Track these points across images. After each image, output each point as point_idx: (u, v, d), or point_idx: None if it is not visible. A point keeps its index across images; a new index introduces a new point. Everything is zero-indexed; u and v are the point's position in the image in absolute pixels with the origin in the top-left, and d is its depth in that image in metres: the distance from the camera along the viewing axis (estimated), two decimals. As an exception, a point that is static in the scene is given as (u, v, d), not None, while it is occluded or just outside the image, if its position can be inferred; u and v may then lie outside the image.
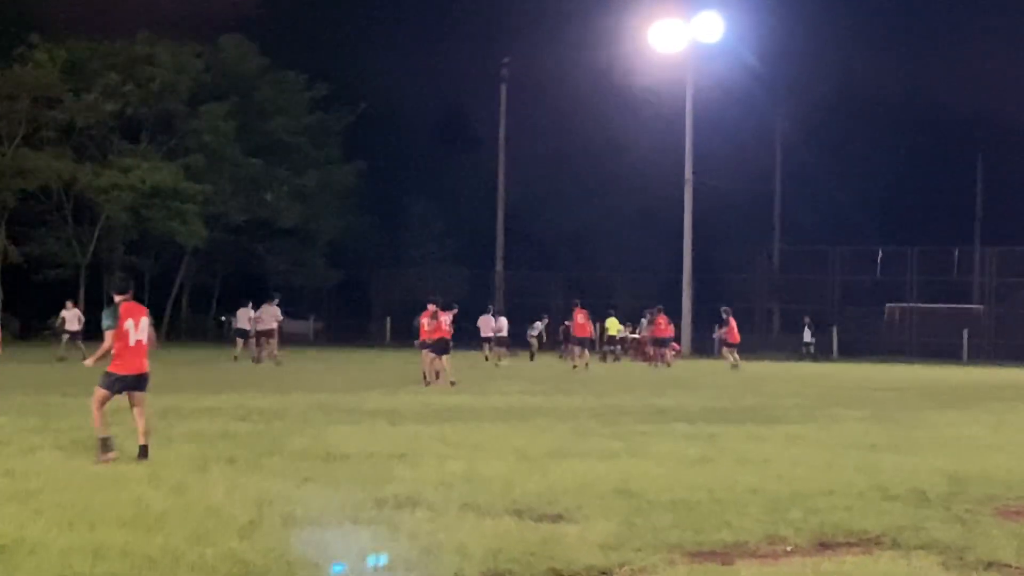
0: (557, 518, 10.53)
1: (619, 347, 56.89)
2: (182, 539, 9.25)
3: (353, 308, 55.96)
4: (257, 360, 46.03)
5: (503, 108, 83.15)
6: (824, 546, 9.80)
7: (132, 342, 14.94)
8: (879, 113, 79.81)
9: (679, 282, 71.03)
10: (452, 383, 30.60)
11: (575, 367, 44.23)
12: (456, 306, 39.72)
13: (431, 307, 33.06)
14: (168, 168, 73.81)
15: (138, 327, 15.03)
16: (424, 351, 32.88)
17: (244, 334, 48.84)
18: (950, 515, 11.17)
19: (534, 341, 56.59)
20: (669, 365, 48.86)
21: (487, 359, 47.68)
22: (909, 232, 73.86)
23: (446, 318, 32.53)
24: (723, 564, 9.09)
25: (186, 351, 55.64)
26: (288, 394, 26.11)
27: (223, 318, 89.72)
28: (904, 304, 74.16)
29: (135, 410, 15.03)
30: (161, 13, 74.37)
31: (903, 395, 31.31)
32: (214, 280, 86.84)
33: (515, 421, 20.25)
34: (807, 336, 65.82)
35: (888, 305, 75.12)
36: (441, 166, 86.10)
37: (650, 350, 52.80)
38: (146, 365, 15.28)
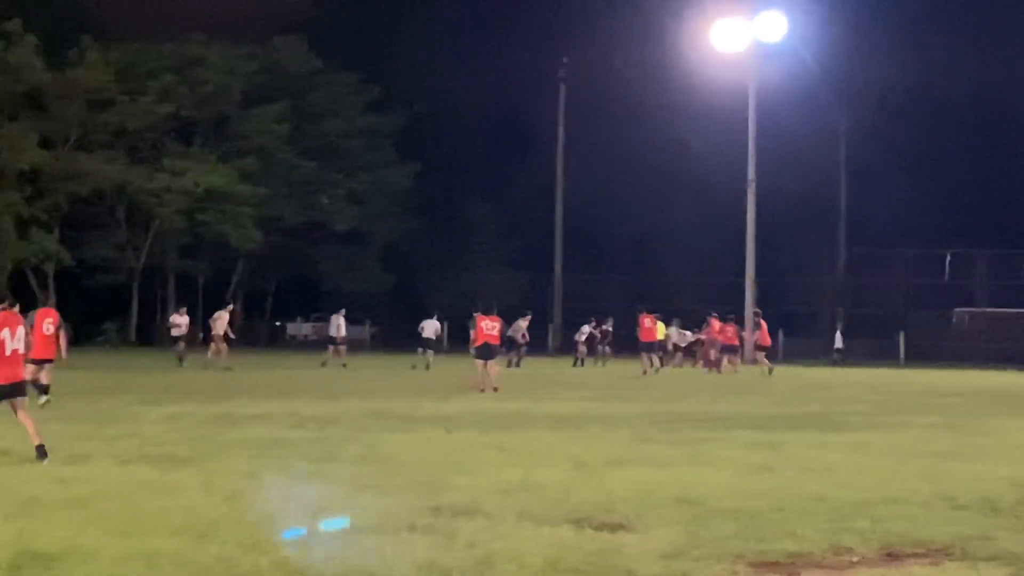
0: (616, 527, 10.50)
1: (679, 353, 56.36)
2: (235, 547, 9.29)
3: (408, 313, 56.05)
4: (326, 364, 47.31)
5: (562, 109, 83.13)
6: (891, 556, 9.72)
7: (8, 351, 15.16)
8: (947, 112, 79.12)
9: (741, 285, 70.67)
10: (495, 389, 30.53)
11: (644, 372, 44.25)
12: (529, 312, 39.59)
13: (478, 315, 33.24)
14: (221, 171, 74.31)
15: (14, 336, 15.25)
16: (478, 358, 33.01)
17: (334, 341, 49.79)
18: (1020, 524, 11.07)
19: (582, 347, 56.24)
20: (719, 372, 48.43)
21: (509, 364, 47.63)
22: (979, 234, 73.31)
23: (487, 323, 32.32)
24: (787, 575, 9.05)
25: (239, 356, 55.83)
26: (342, 401, 26.19)
27: (278, 323, 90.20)
28: (973, 308, 73.59)
29: (19, 415, 15.23)
30: (214, 15, 74.77)
31: (970, 401, 31.04)
32: (268, 284, 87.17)
33: (572, 428, 20.22)
34: (838, 342, 65.34)
35: (956, 310, 74.58)
36: (498, 168, 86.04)
37: (712, 356, 52.42)
38: (21, 374, 15.62)
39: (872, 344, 69.66)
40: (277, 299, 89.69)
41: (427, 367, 46.20)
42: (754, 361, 53.42)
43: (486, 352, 31.84)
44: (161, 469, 13.90)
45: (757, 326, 51.38)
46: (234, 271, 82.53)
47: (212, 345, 46.28)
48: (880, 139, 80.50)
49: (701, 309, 59.21)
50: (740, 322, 56.55)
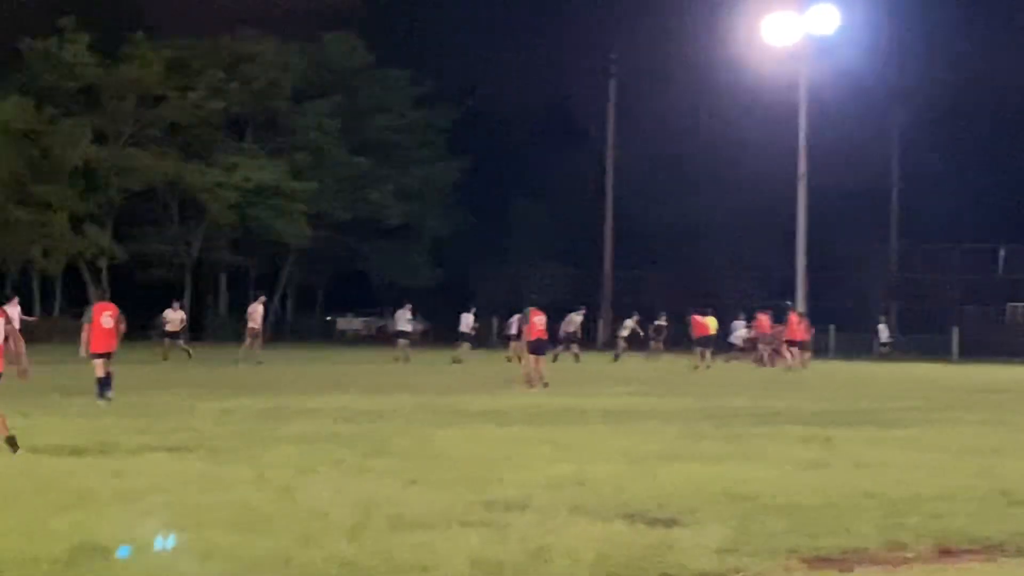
0: (669, 522, 10.47)
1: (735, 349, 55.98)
2: (289, 541, 9.32)
3: (456, 308, 56.19)
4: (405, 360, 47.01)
5: (611, 104, 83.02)
6: (946, 553, 9.67)
7: None
8: (1002, 106, 78.46)
9: (792, 281, 70.40)
10: (544, 384, 30.40)
11: (696, 367, 44.29)
12: (583, 307, 39.46)
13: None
14: (272, 166, 74.65)
15: None
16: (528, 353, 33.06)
17: (404, 335, 49.64)
18: (1077, 521, 10.98)
19: (623, 341, 55.79)
20: (773, 365, 48.13)
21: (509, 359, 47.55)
22: (1033, 229, 72.85)
23: (540, 319, 32.17)
24: (841, 571, 9.00)
25: (291, 351, 56.07)
26: (393, 395, 26.26)
27: (328, 318, 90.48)
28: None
29: None
30: (264, 10, 75.12)
31: (1025, 397, 30.85)
32: (319, 279, 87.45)
33: (624, 423, 20.20)
34: (883, 335, 64.81)
35: (1010, 304, 74.02)
36: (547, 163, 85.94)
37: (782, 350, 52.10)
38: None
39: (925, 340, 69.18)
40: (328, 294, 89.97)
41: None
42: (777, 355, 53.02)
43: (539, 347, 31.75)
44: (215, 462, 13.97)
45: (785, 320, 51.16)
46: (285, 266, 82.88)
47: (247, 339, 45.06)
48: (933, 132, 79.93)
49: (751, 304, 59.01)
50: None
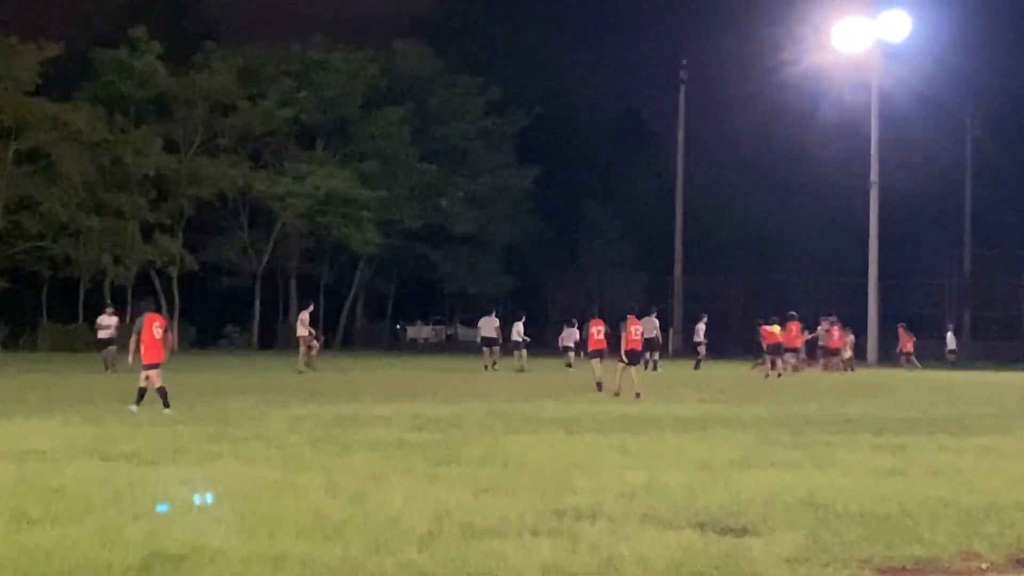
0: (741, 531, 10.43)
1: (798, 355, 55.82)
2: (361, 549, 9.35)
3: (529, 315, 56.28)
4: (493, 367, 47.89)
5: (682, 110, 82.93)
6: (1021, 563, 9.57)
7: None
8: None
9: (864, 287, 70.04)
10: (637, 395, 30.19)
11: (767, 376, 44.29)
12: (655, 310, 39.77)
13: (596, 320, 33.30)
14: (342, 174, 74.99)
15: None
16: (592, 360, 33.61)
17: (492, 343, 49.95)
18: None
19: (702, 348, 55.12)
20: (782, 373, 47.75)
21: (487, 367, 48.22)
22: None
23: (636, 328, 31.95)
24: (915, 581, 8.95)
25: (361, 359, 56.26)
26: (463, 403, 26.28)
27: (398, 325, 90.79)
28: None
29: None
30: (335, 18, 75.70)
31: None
32: (389, 287, 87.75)
33: (696, 430, 20.13)
34: (951, 343, 64.24)
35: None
36: (618, 169, 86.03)
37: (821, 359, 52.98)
38: None
39: (997, 347, 68.66)
40: (398, 302, 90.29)
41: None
42: (825, 366, 53.23)
43: (634, 357, 31.50)
44: (287, 470, 14.03)
45: (827, 331, 52.65)
46: (355, 274, 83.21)
47: (302, 348, 44.53)
48: (1007, 138, 79.39)
49: (822, 311, 58.74)
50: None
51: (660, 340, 50.58)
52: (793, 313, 51.04)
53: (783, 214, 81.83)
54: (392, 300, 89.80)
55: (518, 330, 50.80)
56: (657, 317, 49.75)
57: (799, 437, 19.04)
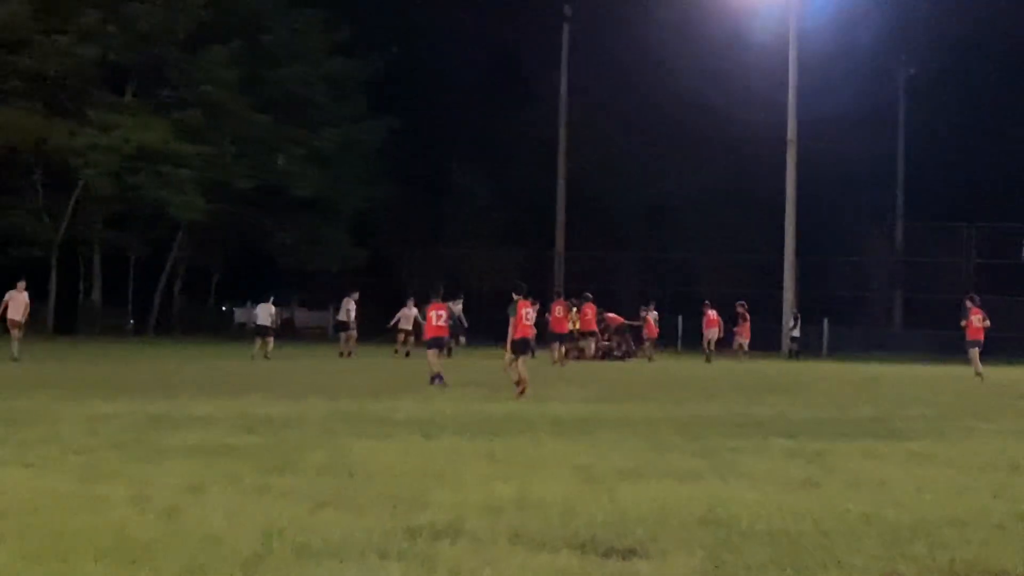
0: (628, 552, 10.49)
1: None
2: (174, 573, 9.29)
3: (383, 295, 56.26)
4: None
5: (565, 54, 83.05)
6: (954, 589, 9.74)
7: None
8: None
9: (779, 265, 70.80)
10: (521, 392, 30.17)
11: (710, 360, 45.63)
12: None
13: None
14: (159, 125, 74.12)
15: None
16: (429, 350, 34.00)
17: (266, 332, 51.99)
18: (1110, 552, 11.08)
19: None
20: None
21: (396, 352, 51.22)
22: (1062, 207, 73.52)
23: (527, 311, 31.76)
24: (832, 610, 9.06)
25: (180, 347, 55.90)
26: (302, 400, 26.21)
27: (224, 307, 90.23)
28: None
29: None
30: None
31: (1053, 405, 31.10)
32: (214, 261, 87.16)
33: (579, 434, 20.22)
34: (795, 330, 65.69)
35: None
36: (490, 125, 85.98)
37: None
38: None
39: (933, 335, 69.75)
40: (224, 279, 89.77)
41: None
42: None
43: (523, 346, 31.25)
44: (85, 480, 13.89)
45: (741, 319, 55.53)
46: (173, 246, 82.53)
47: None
48: (945, 93, 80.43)
49: (731, 293, 59.47)
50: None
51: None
52: (588, 295, 53.69)
53: (685, 178, 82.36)
54: (218, 277, 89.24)
55: (348, 308, 51.96)
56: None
57: (699, 442, 19.20)
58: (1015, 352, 64.95)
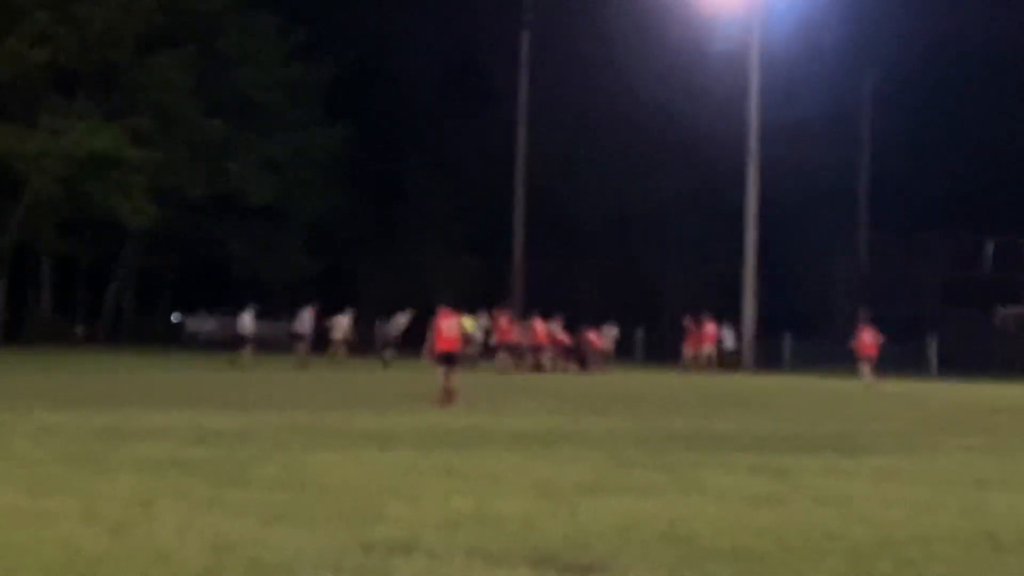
0: (587, 569, 10.46)
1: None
2: (121, 590, 9.23)
3: (338, 306, 56.42)
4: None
5: (524, 60, 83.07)
6: (920, 608, 9.75)
7: None
8: (995, 74, 79.40)
9: (740, 277, 70.95)
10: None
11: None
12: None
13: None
14: (109, 131, 73.89)
15: None
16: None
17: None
18: (1078, 570, 11.10)
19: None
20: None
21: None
22: (1027, 221, 73.81)
23: (448, 323, 31.55)
24: (796, 629, 9.05)
25: (129, 357, 55.76)
26: (254, 412, 26.17)
27: (176, 317, 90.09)
28: (1021, 308, 73.98)
29: None
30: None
31: (1019, 420, 31.23)
32: (165, 270, 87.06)
33: (536, 447, 20.22)
34: (728, 340, 65.76)
35: (1000, 309, 74.93)
36: (448, 132, 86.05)
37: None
38: None
39: (898, 350, 69.98)
40: (176, 288, 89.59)
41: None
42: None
43: (447, 359, 30.90)
44: (31, 494, 13.80)
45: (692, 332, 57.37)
46: (123, 253, 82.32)
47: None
48: (910, 106, 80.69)
49: (691, 303, 59.65)
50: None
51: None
52: (506, 304, 55.52)
53: (646, 188, 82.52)
54: (169, 286, 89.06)
55: (305, 319, 53.02)
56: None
57: (660, 457, 19.20)
58: (985, 366, 65.13)
